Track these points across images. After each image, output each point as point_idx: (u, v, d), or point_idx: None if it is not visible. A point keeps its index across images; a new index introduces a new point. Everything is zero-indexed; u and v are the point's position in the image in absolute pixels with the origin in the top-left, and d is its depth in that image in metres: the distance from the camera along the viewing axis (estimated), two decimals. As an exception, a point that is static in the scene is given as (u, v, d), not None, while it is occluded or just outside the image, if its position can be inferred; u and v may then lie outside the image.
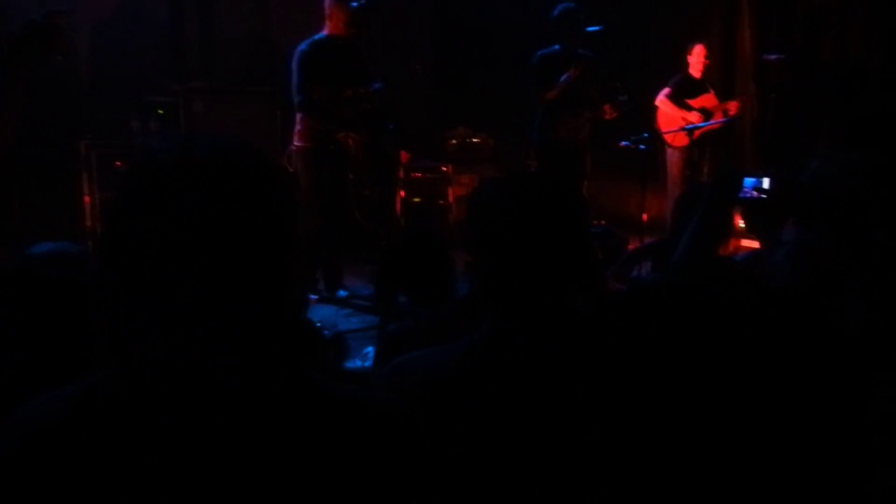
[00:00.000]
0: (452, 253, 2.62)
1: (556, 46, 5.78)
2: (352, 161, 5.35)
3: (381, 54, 5.56)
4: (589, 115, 5.88)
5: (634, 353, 1.46)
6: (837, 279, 2.09)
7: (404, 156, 5.88)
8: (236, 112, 6.23)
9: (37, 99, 4.98)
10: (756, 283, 1.72)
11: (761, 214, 2.61)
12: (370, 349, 3.44)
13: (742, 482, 1.47)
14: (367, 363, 3.31)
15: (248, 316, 0.87)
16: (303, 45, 5.12)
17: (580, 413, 1.32)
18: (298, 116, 5.23)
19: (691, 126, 6.39)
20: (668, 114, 6.59)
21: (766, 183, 2.23)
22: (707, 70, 6.66)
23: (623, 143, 5.94)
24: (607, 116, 5.88)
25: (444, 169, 7.16)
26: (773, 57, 6.40)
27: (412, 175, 6.86)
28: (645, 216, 6.02)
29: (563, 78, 5.65)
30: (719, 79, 6.96)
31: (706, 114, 6.51)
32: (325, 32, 5.18)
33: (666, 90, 6.62)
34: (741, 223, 2.77)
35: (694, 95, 6.61)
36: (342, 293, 5.52)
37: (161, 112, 6.08)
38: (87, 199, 5.85)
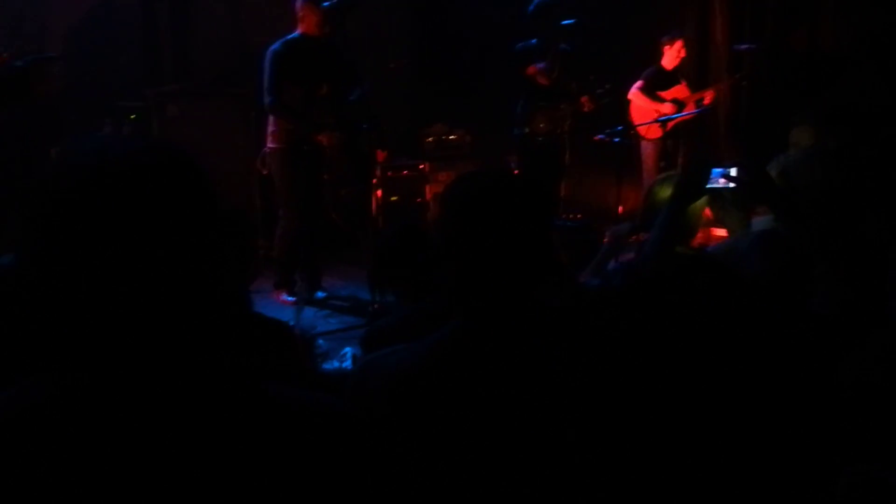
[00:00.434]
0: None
1: (534, 41, 5.89)
2: (327, 161, 5.32)
3: (359, 53, 5.55)
4: (568, 107, 5.94)
5: (605, 347, 1.47)
6: (807, 266, 2.12)
7: (381, 155, 5.85)
8: (211, 114, 6.18)
9: (7, 107, 4.93)
10: (728, 273, 1.73)
11: (731, 203, 2.63)
12: (348, 350, 3.44)
13: (719, 471, 1.48)
14: (346, 364, 3.31)
15: (169, 312, 0.87)
16: (276, 45, 5.06)
17: (547, 407, 1.32)
18: (271, 118, 5.20)
19: (664, 118, 6.42)
20: (642, 107, 6.62)
21: (734, 172, 2.24)
22: (682, 62, 6.70)
23: (598, 136, 5.96)
24: (585, 108, 5.95)
25: (422, 167, 7.13)
26: (744, 47, 6.45)
27: (389, 174, 6.84)
28: (621, 209, 6.04)
29: (540, 66, 5.81)
30: (693, 69, 6.99)
31: (679, 105, 6.54)
32: (298, 32, 5.13)
33: (639, 83, 6.64)
34: (710, 213, 2.78)
35: (666, 87, 6.64)
36: (320, 294, 5.51)
37: (133, 117, 6.03)
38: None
